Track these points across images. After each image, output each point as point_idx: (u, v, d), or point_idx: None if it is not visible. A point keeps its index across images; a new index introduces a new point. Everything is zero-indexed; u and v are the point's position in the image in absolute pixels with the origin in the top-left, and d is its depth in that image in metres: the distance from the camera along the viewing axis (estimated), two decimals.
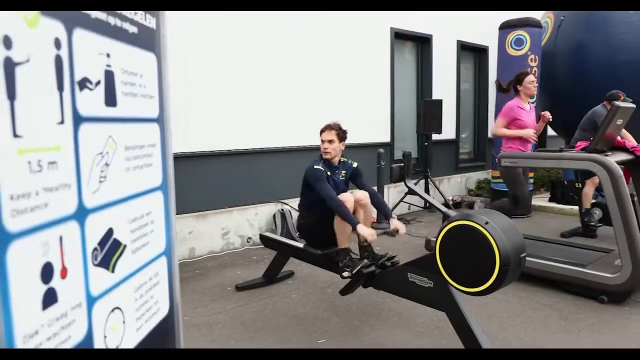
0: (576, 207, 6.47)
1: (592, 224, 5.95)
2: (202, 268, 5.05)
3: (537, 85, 4.90)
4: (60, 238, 0.66)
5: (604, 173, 3.88)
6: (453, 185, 8.79)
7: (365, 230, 3.48)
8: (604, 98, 6.05)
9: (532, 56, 7.39)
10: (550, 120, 4.86)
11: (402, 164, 3.72)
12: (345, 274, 3.56)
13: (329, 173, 3.81)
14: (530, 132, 4.73)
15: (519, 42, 7.42)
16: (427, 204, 7.78)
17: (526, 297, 4.10)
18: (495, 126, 4.94)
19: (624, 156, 4.31)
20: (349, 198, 3.63)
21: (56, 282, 0.65)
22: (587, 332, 3.46)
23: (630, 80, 6.83)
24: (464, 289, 2.81)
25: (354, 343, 3.34)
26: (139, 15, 0.79)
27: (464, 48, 8.92)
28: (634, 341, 3.30)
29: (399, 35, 7.65)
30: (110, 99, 0.74)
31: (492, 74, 8.76)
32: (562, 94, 8.02)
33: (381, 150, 6.63)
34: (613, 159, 4.01)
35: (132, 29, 0.76)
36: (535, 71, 7.47)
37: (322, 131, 3.86)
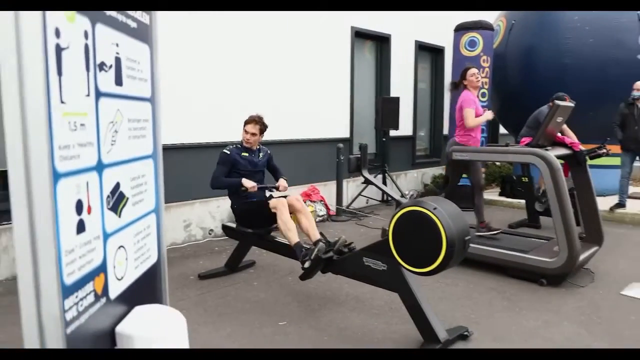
0: (523, 201, 6.86)
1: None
2: None
3: (479, 78, 5.24)
4: (87, 183, 0.86)
5: (544, 166, 4.20)
6: (410, 180, 9.10)
7: (247, 183, 4.15)
8: (550, 99, 6.45)
9: (485, 57, 7.77)
10: (491, 118, 5.27)
11: (359, 156, 3.92)
12: (307, 264, 3.76)
13: (245, 154, 4.39)
14: (490, 115, 5.29)
15: (472, 44, 7.78)
16: (384, 198, 8.07)
17: (474, 281, 4.40)
18: (468, 118, 5.13)
19: (563, 151, 4.65)
20: (279, 203, 4.07)
21: (85, 215, 0.86)
22: (527, 311, 3.76)
23: (573, 82, 7.28)
24: (414, 269, 3.04)
25: (312, 324, 3.54)
26: (138, 13, 0.98)
27: (422, 48, 9.24)
28: (566, 318, 3.62)
29: (359, 35, 7.88)
30: (119, 80, 0.94)
31: (448, 74, 9.12)
32: (512, 94, 8.45)
33: (340, 145, 6.85)
34: (553, 153, 4.33)
35: (133, 24, 0.95)
36: (487, 72, 7.85)
37: (247, 123, 4.37)
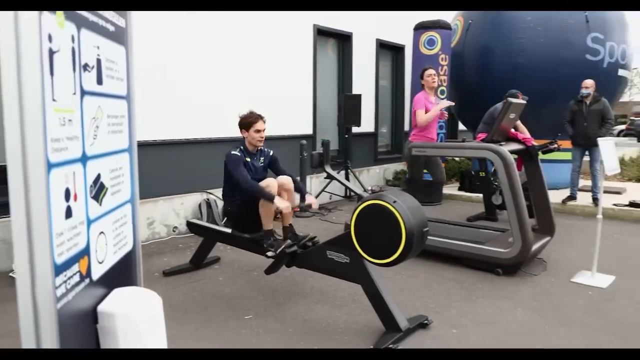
0: (482, 195, 7.10)
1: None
2: None
3: (435, 79, 5.43)
4: (74, 173, 0.94)
5: (498, 160, 4.40)
6: (372, 176, 9.27)
7: (281, 203, 3.78)
8: (504, 96, 6.68)
9: (443, 55, 7.99)
10: (444, 106, 5.46)
11: (322, 151, 4.02)
12: (270, 253, 3.82)
13: (247, 159, 4.05)
14: (445, 103, 5.48)
15: (431, 42, 7.99)
16: (347, 193, 8.21)
17: (433, 272, 4.56)
18: (419, 117, 5.34)
19: (516, 146, 4.87)
20: (272, 183, 3.88)
21: (72, 202, 0.95)
22: (483, 299, 3.94)
23: (526, 81, 7.55)
24: (376, 260, 3.16)
25: (278, 317, 3.61)
26: (115, 17, 1.06)
27: (383, 46, 9.41)
28: (520, 304, 3.82)
29: (321, 32, 7.98)
30: (99, 79, 1.03)
31: (408, 72, 9.32)
32: (470, 92, 8.70)
33: (304, 141, 6.94)
34: (507, 148, 4.53)
35: (112, 28, 1.04)
36: (445, 70, 8.07)
37: (254, 122, 4.01)
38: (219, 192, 6.05)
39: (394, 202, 3.09)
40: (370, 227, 3.17)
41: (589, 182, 7.54)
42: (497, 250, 4.46)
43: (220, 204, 6.04)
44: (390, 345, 3.11)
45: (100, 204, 1.07)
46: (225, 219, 4.57)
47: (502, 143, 4.70)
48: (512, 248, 4.37)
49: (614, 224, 6.43)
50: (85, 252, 1.00)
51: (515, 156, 4.95)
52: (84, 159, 1.02)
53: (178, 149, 5.94)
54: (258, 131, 4.02)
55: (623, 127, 32.44)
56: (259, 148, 4.15)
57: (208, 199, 6.19)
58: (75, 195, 0.97)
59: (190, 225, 4.67)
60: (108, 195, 1.10)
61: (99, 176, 1.05)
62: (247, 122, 4.04)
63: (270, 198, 3.78)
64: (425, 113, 5.29)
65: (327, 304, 3.86)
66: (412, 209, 3.12)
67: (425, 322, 3.44)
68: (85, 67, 0.99)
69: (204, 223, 4.82)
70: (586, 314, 3.66)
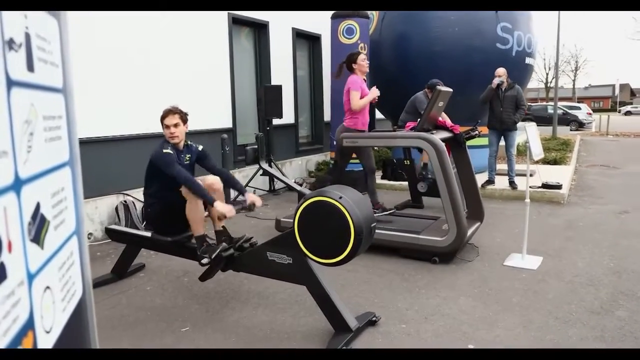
0: (405, 183, 7.16)
1: (430, 176, 6.43)
2: None
3: (368, 63, 5.42)
4: (5, 209, 0.58)
5: (431, 149, 4.38)
6: (295, 168, 9.11)
7: (223, 207, 3.48)
8: (426, 86, 6.76)
9: (362, 44, 7.95)
10: (378, 94, 5.38)
11: (256, 146, 3.77)
12: (205, 260, 3.54)
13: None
14: (376, 92, 5.34)
15: (349, 31, 7.92)
16: (272, 187, 7.99)
17: (372, 265, 4.48)
18: (353, 100, 5.25)
19: (445, 134, 4.90)
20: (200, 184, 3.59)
21: (5, 256, 0.58)
22: (425, 290, 3.91)
23: (443, 69, 7.71)
24: (323, 260, 2.99)
25: (218, 327, 3.35)
26: None
27: (299, 36, 9.23)
28: (461, 292, 3.83)
29: (236, 21, 7.65)
30: (30, 64, 0.68)
31: (326, 62, 9.22)
32: (388, 80, 8.72)
33: (225, 135, 6.62)
34: (438, 136, 4.54)
35: None
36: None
37: (164, 117, 3.66)
38: (136, 192, 5.61)
39: (340, 197, 2.93)
40: (316, 226, 3.00)
41: (505, 166, 7.85)
42: (433, 239, 4.46)
43: (139, 205, 5.60)
44: (343, 347, 2.97)
45: (42, 247, 0.68)
46: (145, 222, 4.20)
47: (433, 132, 4.71)
48: (448, 236, 4.39)
49: (531, 206, 6.71)
50: (29, 325, 0.62)
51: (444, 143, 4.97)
52: (17, 185, 0.65)
53: (88, 148, 5.40)
54: (167, 127, 3.65)
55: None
56: (186, 144, 3.82)
57: (125, 201, 5.71)
58: (10, 244, 0.56)
59: (109, 232, 4.25)
60: (50, 232, 0.71)
61: (38, 206, 0.65)
62: (161, 117, 3.69)
63: (210, 202, 3.49)
64: (361, 98, 5.22)
65: (268, 307, 3.65)
66: (359, 204, 2.99)
67: (374, 318, 3.34)
68: (11, 43, 0.59)
69: (124, 229, 4.41)
70: (524, 297, 3.74)
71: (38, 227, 0.68)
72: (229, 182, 3.84)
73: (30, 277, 0.62)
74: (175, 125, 3.66)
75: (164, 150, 3.58)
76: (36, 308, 0.64)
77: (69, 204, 0.82)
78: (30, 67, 0.65)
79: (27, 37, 0.64)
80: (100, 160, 5.51)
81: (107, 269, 4.35)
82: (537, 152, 4.45)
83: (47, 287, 0.70)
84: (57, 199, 0.75)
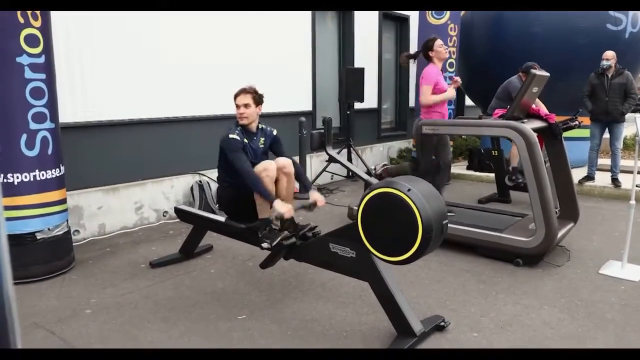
0: (492, 175, 6.67)
1: (520, 180, 6.01)
2: (114, 245, 4.70)
3: (447, 49, 4.92)
4: None
5: (520, 139, 3.94)
6: (375, 154, 8.82)
7: (281, 207, 3.30)
8: (519, 69, 6.19)
9: (452, 25, 7.45)
10: (460, 83, 4.95)
11: (323, 131, 3.56)
12: (265, 245, 3.39)
13: (246, 141, 3.56)
14: (453, 92, 4.89)
15: (439, 12, 7.44)
16: (350, 173, 7.76)
17: (446, 263, 4.15)
18: (423, 95, 4.87)
19: (538, 123, 4.41)
20: (270, 166, 3.43)
21: None
22: (504, 295, 3.53)
23: (542, 52, 7.05)
24: (386, 258, 2.73)
25: (275, 318, 3.21)
26: None
27: (386, 17, 8.86)
28: (546, 301, 3.41)
29: None
30: None
31: (414, 44, 8.78)
32: (479, 64, 8.19)
33: (302, 118, 6.47)
34: (529, 126, 4.08)
35: None
36: (455, 41, 7.55)
37: (236, 95, 3.56)
38: (211, 173, 5.62)
39: (409, 190, 2.64)
40: (381, 220, 2.73)
41: (607, 162, 7.08)
42: (517, 239, 4.03)
43: (214, 185, 5.61)
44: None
45: None
46: (218, 204, 4.14)
47: (524, 120, 4.24)
48: (535, 237, 3.95)
49: (636, 208, 5.99)
50: None
51: (537, 134, 4.48)
52: None
53: (166, 127, 5.47)
54: (238, 106, 3.53)
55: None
56: (260, 127, 3.69)
57: (200, 181, 5.75)
58: None
59: (178, 212, 4.24)
60: None
61: None
62: (234, 96, 3.57)
63: (270, 199, 3.34)
64: (435, 88, 4.79)
65: (329, 300, 3.46)
66: (429, 198, 2.68)
67: (442, 323, 3.04)
68: None
69: (193, 210, 4.38)
70: (621, 313, 3.25)
71: None
72: (297, 174, 3.66)
73: None
74: (246, 106, 3.53)
75: (230, 135, 3.46)
76: None
77: None
78: None
79: None
80: (178, 140, 5.56)
81: (176, 247, 4.37)
82: None
83: None
84: None
